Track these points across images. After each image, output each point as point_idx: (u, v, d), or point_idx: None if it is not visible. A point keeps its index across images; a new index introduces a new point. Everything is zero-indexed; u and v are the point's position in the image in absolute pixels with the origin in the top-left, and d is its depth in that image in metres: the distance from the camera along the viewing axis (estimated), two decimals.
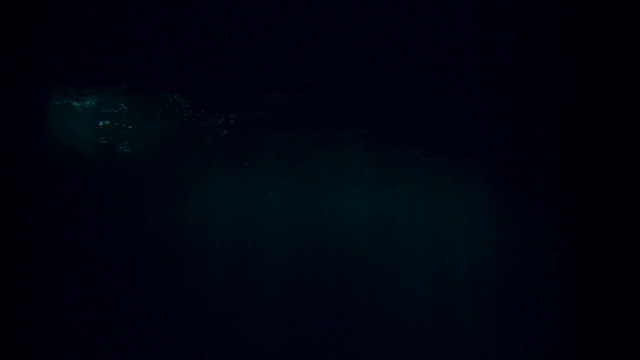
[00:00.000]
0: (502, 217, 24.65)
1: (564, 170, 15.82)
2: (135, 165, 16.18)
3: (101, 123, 12.81)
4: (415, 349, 32.42)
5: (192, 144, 14.42)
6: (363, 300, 33.69)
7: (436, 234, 31.77)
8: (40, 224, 19.38)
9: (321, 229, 30.92)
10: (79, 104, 11.60)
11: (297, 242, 31.59)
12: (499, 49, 8.51)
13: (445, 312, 34.56)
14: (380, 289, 34.74)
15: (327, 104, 10.88)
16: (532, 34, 7.93)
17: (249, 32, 7.85)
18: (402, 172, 18.20)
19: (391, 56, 8.57)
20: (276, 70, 9.10)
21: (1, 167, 14.83)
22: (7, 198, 16.67)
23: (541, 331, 27.33)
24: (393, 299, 34.87)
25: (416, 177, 18.88)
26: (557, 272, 25.69)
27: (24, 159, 15.60)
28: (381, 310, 33.60)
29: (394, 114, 11.46)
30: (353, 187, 21.72)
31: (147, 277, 24.19)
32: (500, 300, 31.78)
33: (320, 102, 10.85)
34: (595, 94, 10.10)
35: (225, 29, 7.81)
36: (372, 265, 34.65)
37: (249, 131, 13.56)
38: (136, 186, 18.05)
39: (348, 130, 12.86)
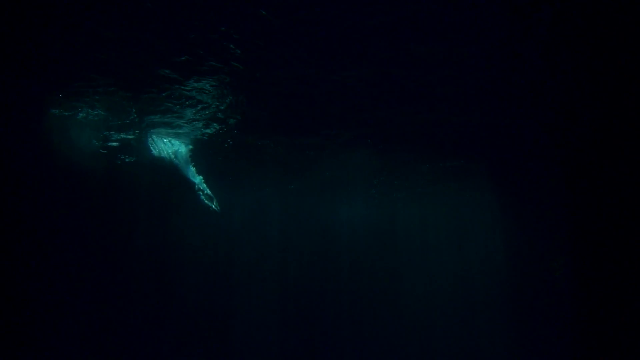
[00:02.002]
0: (508, 223, 24.57)
1: (570, 176, 15.78)
2: (137, 174, 15.99)
3: (106, 132, 12.66)
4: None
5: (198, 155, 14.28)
6: (369, 305, 33.60)
7: (441, 241, 31.71)
8: (43, 234, 19.22)
9: (327, 237, 30.83)
10: (83, 114, 11.47)
11: (303, 251, 31.48)
12: (503, 50, 8.46)
13: (450, 318, 34.40)
14: (387, 295, 34.64)
15: (329, 103, 10.74)
16: (532, 37, 7.90)
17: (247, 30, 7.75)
18: (408, 178, 18.14)
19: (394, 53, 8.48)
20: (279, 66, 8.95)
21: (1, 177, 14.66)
22: (6, 207, 16.47)
23: (547, 337, 27.15)
24: (399, 305, 34.76)
25: (422, 182, 18.81)
26: (562, 278, 25.60)
27: (26, 169, 15.45)
28: (391, 315, 33.54)
29: (397, 113, 11.32)
30: (360, 195, 21.65)
31: (144, 283, 24.02)
32: (505, 305, 31.65)
33: (321, 102, 10.76)
34: (601, 99, 10.07)
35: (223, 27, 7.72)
36: (379, 272, 34.60)
37: (253, 138, 13.44)
38: (138, 195, 17.85)
39: (350, 131, 12.71)
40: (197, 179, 13.98)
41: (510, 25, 7.62)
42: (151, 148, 13.43)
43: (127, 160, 14.48)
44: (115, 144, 13.12)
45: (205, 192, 14.05)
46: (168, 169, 13.81)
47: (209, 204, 14.27)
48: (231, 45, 8.19)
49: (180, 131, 12.64)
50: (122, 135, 12.77)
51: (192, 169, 13.93)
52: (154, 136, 13.12)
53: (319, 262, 32.36)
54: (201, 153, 14.09)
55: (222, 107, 11.06)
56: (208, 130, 12.61)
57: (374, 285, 34.74)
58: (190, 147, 13.71)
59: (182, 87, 9.92)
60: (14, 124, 12.55)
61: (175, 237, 24.82)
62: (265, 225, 26.10)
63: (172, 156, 13.74)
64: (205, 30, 7.75)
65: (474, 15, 7.34)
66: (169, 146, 13.73)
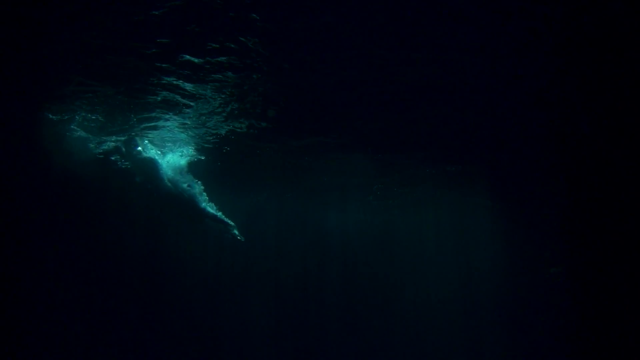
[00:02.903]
0: (504, 229, 24.50)
1: (570, 182, 15.73)
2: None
3: (103, 137, 12.54)
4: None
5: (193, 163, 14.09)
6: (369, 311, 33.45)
7: (441, 247, 31.61)
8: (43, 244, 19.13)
9: (327, 244, 30.76)
10: (79, 119, 11.41)
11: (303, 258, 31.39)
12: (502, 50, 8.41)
13: (451, 323, 34.26)
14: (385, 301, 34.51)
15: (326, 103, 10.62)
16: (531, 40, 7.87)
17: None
18: (407, 184, 18.06)
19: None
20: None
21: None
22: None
23: (545, 341, 27.04)
24: (398, 311, 34.64)
25: (421, 188, 18.73)
26: (559, 285, 25.50)
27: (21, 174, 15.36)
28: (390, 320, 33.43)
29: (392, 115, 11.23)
30: (359, 202, 21.57)
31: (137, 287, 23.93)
32: (505, 310, 31.55)
33: (321, 106, 10.68)
34: (603, 106, 10.03)
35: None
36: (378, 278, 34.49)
37: (253, 144, 13.35)
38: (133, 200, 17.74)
39: (349, 136, 12.60)
40: (211, 208, 12.61)
41: (512, 32, 7.59)
42: (147, 159, 12.64)
43: (122, 166, 14.33)
44: (109, 146, 12.99)
45: (222, 219, 12.70)
46: (172, 196, 12.41)
47: (231, 231, 12.90)
48: (229, 52, 8.16)
49: (178, 137, 12.56)
50: (119, 138, 12.67)
51: (202, 191, 12.56)
52: (150, 146, 12.83)
53: (318, 269, 32.23)
54: (199, 160, 14.00)
55: (224, 114, 10.99)
56: (208, 137, 12.52)
57: (374, 292, 34.62)
58: (191, 156, 13.42)
59: (181, 93, 9.86)
60: (9, 129, 12.51)
61: (171, 241, 24.75)
62: (261, 231, 26.04)
63: (178, 178, 12.49)
64: (202, 37, 7.73)
65: (475, 21, 7.30)
66: (168, 158, 12.96)
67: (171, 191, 12.11)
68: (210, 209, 12.57)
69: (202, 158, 13.84)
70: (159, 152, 12.79)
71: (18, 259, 19.21)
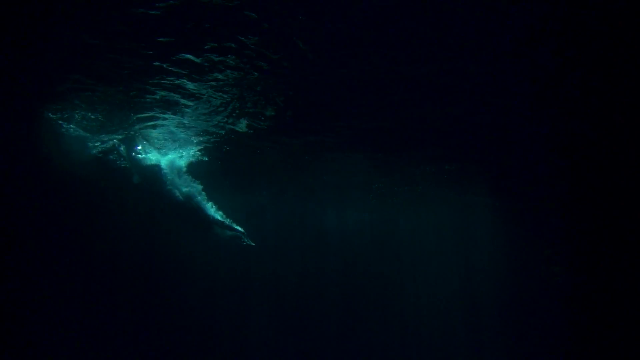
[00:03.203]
0: (505, 227, 24.48)
1: (569, 181, 15.72)
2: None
3: (101, 136, 12.52)
4: None
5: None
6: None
7: (439, 246, 31.58)
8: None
9: (324, 241, 30.71)
10: (79, 116, 11.38)
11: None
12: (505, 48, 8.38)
13: (451, 323, 34.24)
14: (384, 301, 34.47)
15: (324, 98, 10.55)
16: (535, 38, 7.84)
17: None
18: (407, 183, 18.03)
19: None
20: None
21: None
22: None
23: (545, 340, 27.04)
24: (399, 311, 34.60)
25: (421, 188, 18.70)
26: (559, 284, 25.49)
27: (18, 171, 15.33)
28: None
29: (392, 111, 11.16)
30: (358, 201, 21.55)
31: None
32: (501, 311, 31.55)
33: (322, 104, 10.64)
34: (605, 105, 10.01)
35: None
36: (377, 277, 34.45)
37: (253, 143, 13.34)
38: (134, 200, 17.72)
39: (349, 132, 12.55)
40: (217, 213, 12.17)
41: (512, 31, 7.56)
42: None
43: (122, 165, 14.30)
44: (109, 145, 12.97)
45: (231, 226, 12.28)
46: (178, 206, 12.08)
47: (241, 238, 12.45)
48: (228, 51, 8.14)
49: (178, 137, 12.53)
50: (117, 137, 12.65)
51: (201, 191, 12.20)
52: (149, 145, 12.77)
53: (317, 268, 32.21)
54: (200, 160, 13.96)
55: (224, 113, 10.96)
56: (208, 136, 12.48)
57: (373, 291, 34.59)
58: (191, 156, 13.32)
59: (181, 92, 9.82)
60: (8, 129, 12.49)
61: (170, 240, 24.75)
62: (261, 229, 26.05)
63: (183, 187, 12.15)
64: (202, 36, 7.70)
65: (475, 20, 7.28)
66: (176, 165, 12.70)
67: (176, 198, 11.70)
68: (217, 214, 12.13)
69: (205, 159, 13.79)
70: (159, 153, 12.73)
71: (16, 258, 19.19)
